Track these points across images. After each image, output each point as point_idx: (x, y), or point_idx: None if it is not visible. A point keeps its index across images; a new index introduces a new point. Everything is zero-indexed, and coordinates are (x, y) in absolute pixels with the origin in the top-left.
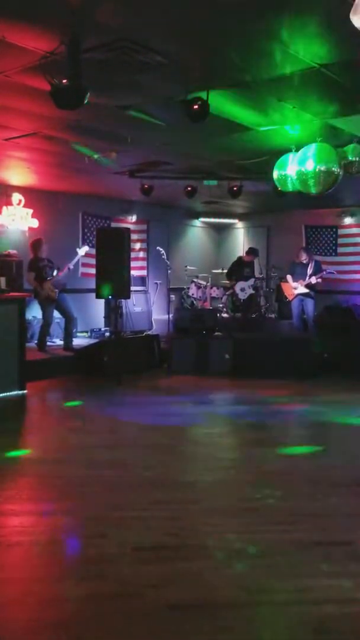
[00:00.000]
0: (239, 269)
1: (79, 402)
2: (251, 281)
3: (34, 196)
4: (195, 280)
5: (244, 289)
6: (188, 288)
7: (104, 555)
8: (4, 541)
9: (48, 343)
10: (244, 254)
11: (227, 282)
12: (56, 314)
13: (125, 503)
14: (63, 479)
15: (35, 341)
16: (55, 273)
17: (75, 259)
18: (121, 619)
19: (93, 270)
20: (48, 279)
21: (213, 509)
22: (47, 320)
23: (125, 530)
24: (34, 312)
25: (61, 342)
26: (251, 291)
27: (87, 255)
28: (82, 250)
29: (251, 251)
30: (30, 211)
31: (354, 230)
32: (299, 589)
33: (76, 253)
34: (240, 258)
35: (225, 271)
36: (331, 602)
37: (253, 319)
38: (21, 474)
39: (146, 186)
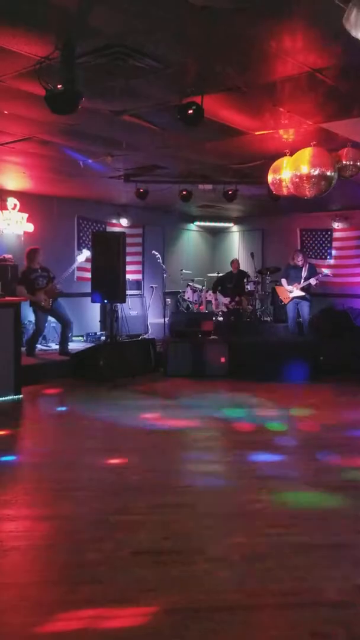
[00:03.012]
0: (223, 287)
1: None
2: (226, 300)
3: (29, 200)
4: (190, 284)
5: (217, 304)
6: (184, 292)
7: (100, 560)
8: (0, 546)
9: (44, 347)
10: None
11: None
12: (52, 318)
13: (122, 507)
14: (59, 483)
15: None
16: (45, 283)
17: (73, 266)
18: (118, 624)
19: (89, 274)
20: (39, 287)
21: (210, 512)
22: (38, 328)
23: (122, 535)
24: (31, 317)
25: (57, 347)
26: (223, 308)
27: None
28: (82, 256)
29: (231, 262)
30: (26, 215)
31: (349, 233)
32: (295, 592)
33: (74, 260)
34: (228, 273)
35: (221, 274)
36: (328, 606)
37: (248, 323)
38: (17, 478)
39: (141, 190)
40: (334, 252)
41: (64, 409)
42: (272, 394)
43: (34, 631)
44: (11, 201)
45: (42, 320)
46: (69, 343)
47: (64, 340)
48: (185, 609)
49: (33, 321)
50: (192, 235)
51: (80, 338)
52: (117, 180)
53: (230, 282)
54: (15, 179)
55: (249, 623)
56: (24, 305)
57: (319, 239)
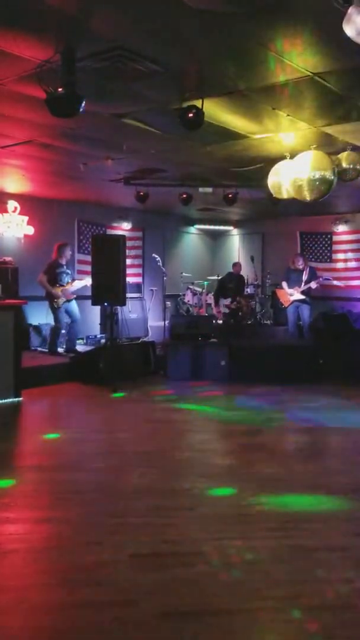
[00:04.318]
0: (222, 287)
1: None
2: (227, 300)
3: (29, 203)
4: (190, 287)
5: (219, 306)
6: (184, 295)
7: (99, 562)
8: None
9: (44, 350)
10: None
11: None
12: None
13: (121, 510)
14: (59, 486)
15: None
16: (67, 282)
17: (74, 288)
18: (117, 626)
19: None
20: (60, 285)
21: (209, 515)
22: (56, 324)
23: (121, 537)
24: (33, 319)
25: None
26: (225, 310)
27: (83, 262)
28: (82, 283)
29: (234, 265)
30: (26, 218)
31: (349, 236)
32: (295, 596)
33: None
34: (229, 273)
35: (220, 277)
36: (328, 609)
37: (248, 326)
38: (17, 481)
39: (141, 193)
40: (333, 255)
41: (63, 411)
42: (272, 397)
43: (33, 634)
44: (11, 204)
45: (59, 316)
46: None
47: (70, 337)
48: (184, 612)
49: (42, 322)
50: (192, 238)
51: (81, 341)
52: (117, 183)
53: (231, 283)
54: (15, 182)
55: (248, 626)
56: (31, 307)
57: (319, 242)
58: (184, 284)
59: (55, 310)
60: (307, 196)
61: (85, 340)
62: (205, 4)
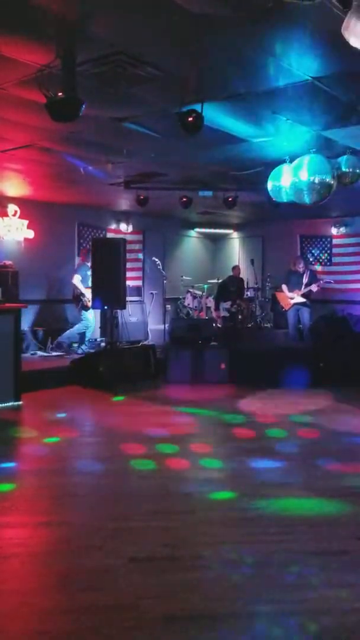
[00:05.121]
0: (224, 291)
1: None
2: (227, 304)
3: (29, 207)
4: (191, 290)
5: (219, 310)
6: (184, 298)
7: (100, 567)
8: None
9: (43, 353)
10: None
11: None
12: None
13: (121, 514)
14: (59, 490)
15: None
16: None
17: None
18: (117, 630)
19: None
20: (87, 287)
21: (209, 519)
22: (84, 324)
23: (121, 541)
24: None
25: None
26: (225, 313)
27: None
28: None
29: (234, 268)
30: (26, 222)
31: (349, 240)
32: (295, 600)
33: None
34: (230, 276)
35: (220, 280)
36: (328, 613)
37: (248, 329)
38: (17, 485)
39: (141, 197)
40: (333, 258)
41: (63, 415)
42: (272, 400)
43: (33, 638)
44: (12, 208)
45: (88, 316)
46: (70, 349)
47: (83, 340)
48: (184, 616)
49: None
50: (193, 241)
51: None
52: (117, 187)
53: (233, 286)
54: (15, 186)
55: (249, 631)
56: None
57: (318, 245)
58: (184, 287)
59: (85, 310)
60: (307, 200)
61: (85, 344)
62: (204, 7)
